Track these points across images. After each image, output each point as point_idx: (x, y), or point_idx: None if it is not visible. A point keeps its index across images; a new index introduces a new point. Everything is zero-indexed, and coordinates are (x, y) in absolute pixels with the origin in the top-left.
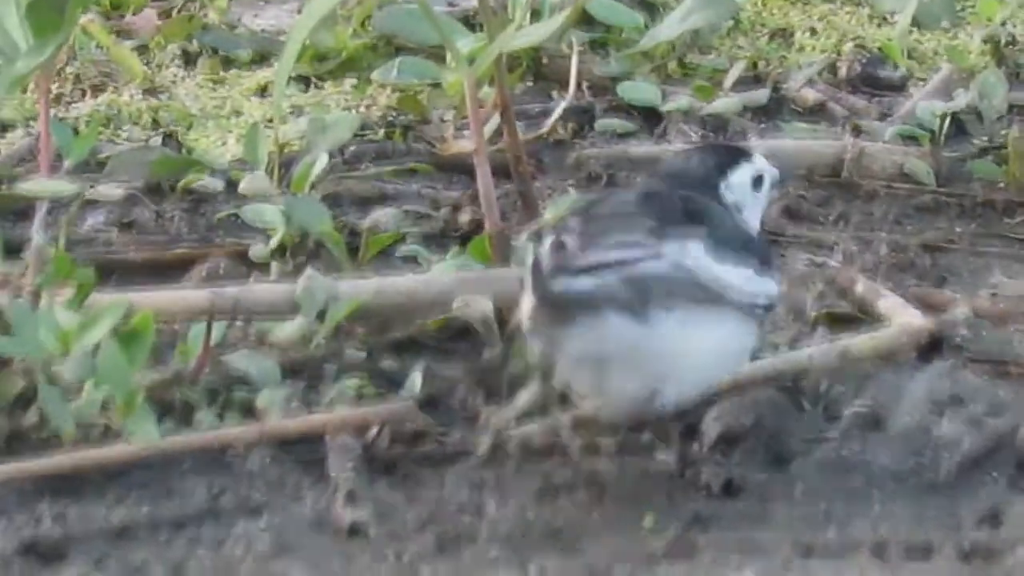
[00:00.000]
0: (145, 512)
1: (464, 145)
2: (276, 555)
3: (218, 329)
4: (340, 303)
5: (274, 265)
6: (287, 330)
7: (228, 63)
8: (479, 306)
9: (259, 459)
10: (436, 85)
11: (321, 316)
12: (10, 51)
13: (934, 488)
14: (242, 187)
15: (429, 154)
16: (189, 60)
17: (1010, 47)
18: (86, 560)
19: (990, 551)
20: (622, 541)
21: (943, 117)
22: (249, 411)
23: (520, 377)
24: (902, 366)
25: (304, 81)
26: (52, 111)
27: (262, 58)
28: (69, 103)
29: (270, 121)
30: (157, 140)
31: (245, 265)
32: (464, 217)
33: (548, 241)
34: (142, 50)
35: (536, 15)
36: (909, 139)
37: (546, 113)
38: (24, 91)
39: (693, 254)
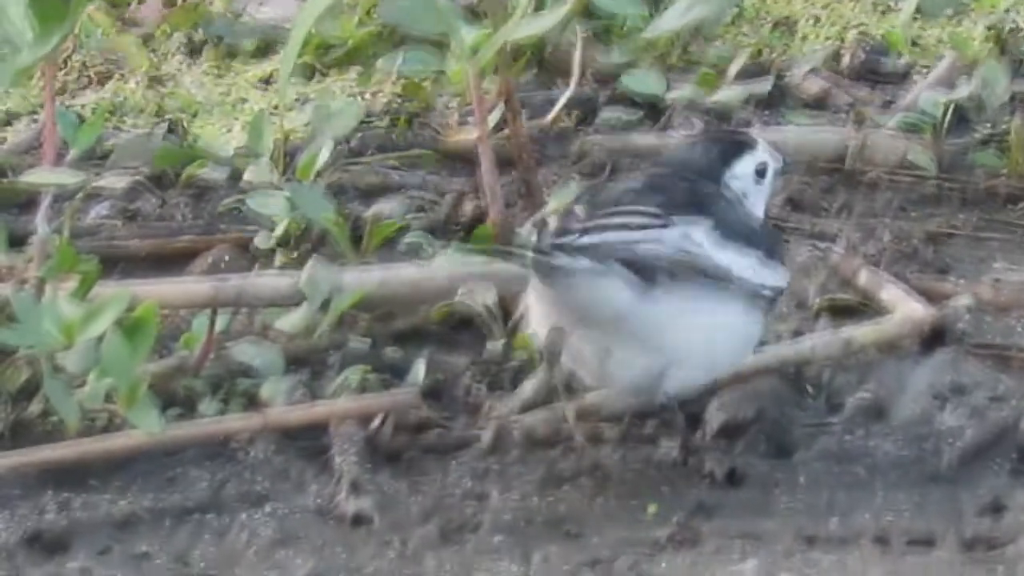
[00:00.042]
0: (149, 502)
1: (468, 135)
2: (280, 545)
3: (222, 319)
4: (344, 293)
5: (278, 255)
6: (291, 320)
7: (233, 53)
8: (482, 296)
9: (263, 449)
10: (440, 75)
11: (325, 306)
12: (15, 41)
13: (936, 478)
14: (246, 176)
15: (433, 143)
16: (194, 49)
17: (1013, 36)
18: (90, 550)
19: (992, 541)
20: (625, 530)
21: (946, 106)
22: (253, 401)
23: (523, 367)
24: (904, 355)
25: (309, 70)
26: (57, 101)
27: (267, 47)
28: (74, 92)
29: (275, 110)
30: (162, 129)
31: (249, 255)
32: (468, 206)
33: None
34: (147, 39)
35: (539, 5)
36: (912, 128)
37: (549, 103)
38: (29, 81)
39: (699, 235)
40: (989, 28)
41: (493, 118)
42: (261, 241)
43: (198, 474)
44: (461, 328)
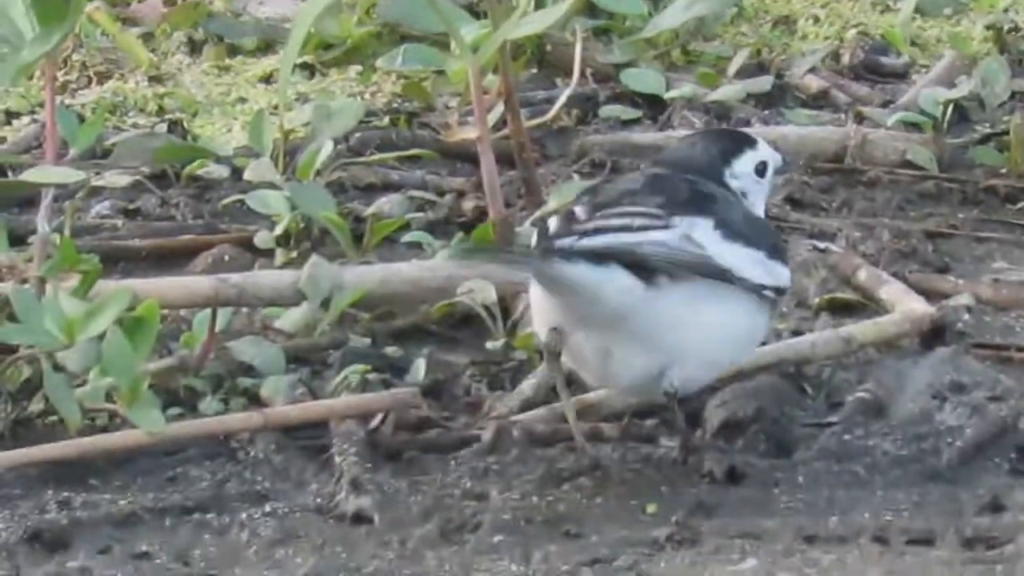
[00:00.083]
0: (149, 501)
1: (468, 132)
2: (280, 543)
3: (223, 316)
4: (344, 292)
5: (278, 253)
6: (291, 318)
7: (233, 51)
8: (483, 293)
9: (264, 446)
10: (440, 73)
11: (325, 304)
12: (16, 39)
13: (936, 475)
14: (247, 174)
15: (433, 141)
16: (195, 48)
17: (1012, 34)
18: (90, 549)
19: (991, 539)
20: (625, 529)
21: (946, 104)
22: (254, 399)
23: (523, 366)
24: (904, 353)
25: (309, 69)
26: (58, 99)
27: (267, 46)
28: (75, 91)
29: (275, 108)
30: (163, 127)
31: (250, 252)
32: (468, 204)
33: (560, 213)
34: (148, 38)
35: (540, 3)
36: (912, 126)
37: (550, 100)
38: (30, 79)
39: (700, 234)
40: (988, 27)
41: (493, 116)
42: (261, 239)
43: (198, 473)
44: (461, 327)
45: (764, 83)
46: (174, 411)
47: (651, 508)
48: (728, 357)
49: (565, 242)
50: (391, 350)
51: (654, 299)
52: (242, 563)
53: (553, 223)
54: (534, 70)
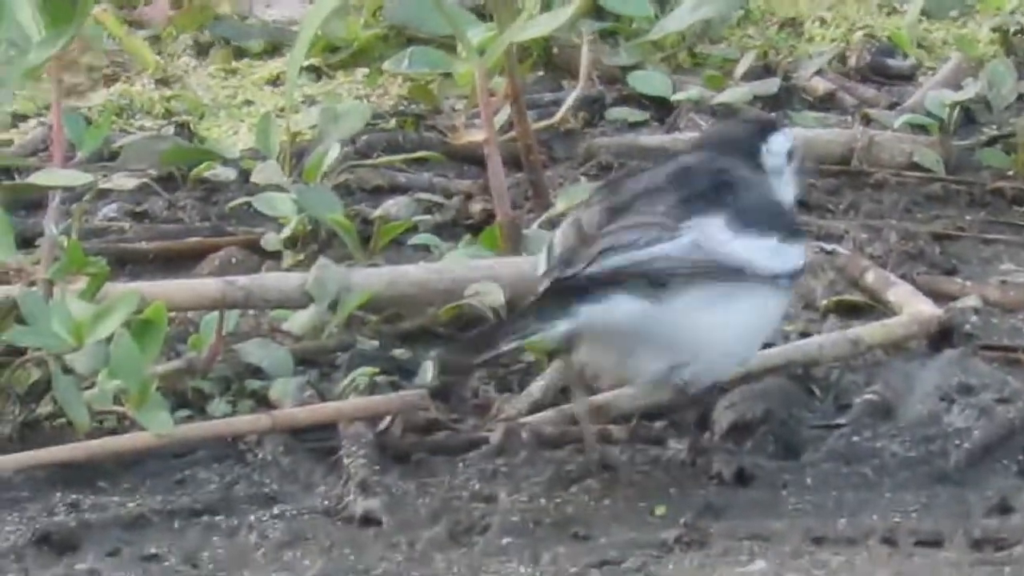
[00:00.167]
0: (158, 503)
1: (475, 135)
2: (289, 544)
3: (230, 319)
4: (352, 293)
5: (286, 255)
6: (299, 320)
7: (240, 53)
8: (491, 296)
9: (272, 449)
10: (447, 75)
11: (333, 306)
12: (23, 42)
13: (944, 477)
14: (254, 177)
15: (440, 144)
16: (201, 50)
17: (1019, 37)
18: (99, 551)
19: (999, 541)
20: (633, 531)
21: (952, 106)
22: (262, 401)
23: (531, 368)
24: (912, 355)
25: (316, 71)
26: (65, 102)
27: (274, 48)
28: (82, 93)
29: (282, 111)
30: (170, 130)
31: (257, 254)
32: (475, 206)
33: (569, 220)
34: (154, 40)
35: (546, 5)
36: (918, 128)
37: (557, 103)
38: (37, 82)
39: (713, 232)
40: (994, 29)
41: (500, 119)
42: (269, 242)
43: (207, 475)
44: (469, 329)
45: (771, 85)
46: (182, 413)
47: (660, 510)
48: (746, 348)
49: (572, 271)
50: (399, 352)
51: (666, 307)
52: (251, 565)
53: (559, 240)
54: (541, 72)
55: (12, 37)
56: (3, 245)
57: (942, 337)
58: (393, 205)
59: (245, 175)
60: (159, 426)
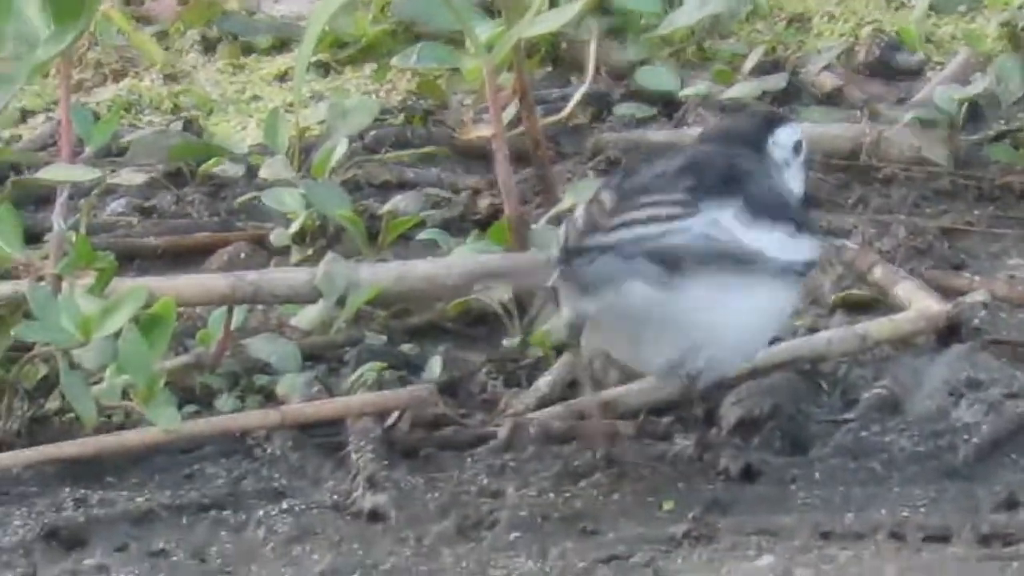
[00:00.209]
0: (166, 498)
1: (483, 130)
2: (296, 541)
3: (238, 314)
4: (360, 288)
5: (294, 251)
6: (307, 316)
7: (248, 49)
8: (498, 292)
9: (280, 444)
10: (455, 71)
11: (341, 301)
12: (31, 38)
13: (952, 473)
14: (262, 172)
15: (448, 139)
16: (209, 46)
17: None
18: (107, 547)
19: (1008, 536)
20: (641, 526)
21: (960, 102)
22: (270, 396)
23: (539, 363)
24: (920, 350)
25: (324, 67)
26: (73, 97)
27: (282, 44)
28: (90, 89)
29: (290, 106)
30: (178, 125)
31: (265, 250)
32: (483, 202)
33: (583, 205)
34: (162, 36)
35: (554, 1)
36: (927, 123)
37: (564, 99)
38: (45, 77)
39: (726, 219)
40: (1003, 24)
41: (508, 114)
42: (277, 237)
43: (215, 470)
44: (477, 324)
45: (779, 81)
46: (190, 409)
47: (667, 505)
48: (758, 338)
49: (588, 242)
50: (407, 348)
51: (680, 289)
52: (259, 560)
53: (580, 214)
54: (549, 68)
55: (20, 33)
56: (11, 240)
57: (950, 332)
58: (401, 200)
59: (253, 171)
60: (167, 421)
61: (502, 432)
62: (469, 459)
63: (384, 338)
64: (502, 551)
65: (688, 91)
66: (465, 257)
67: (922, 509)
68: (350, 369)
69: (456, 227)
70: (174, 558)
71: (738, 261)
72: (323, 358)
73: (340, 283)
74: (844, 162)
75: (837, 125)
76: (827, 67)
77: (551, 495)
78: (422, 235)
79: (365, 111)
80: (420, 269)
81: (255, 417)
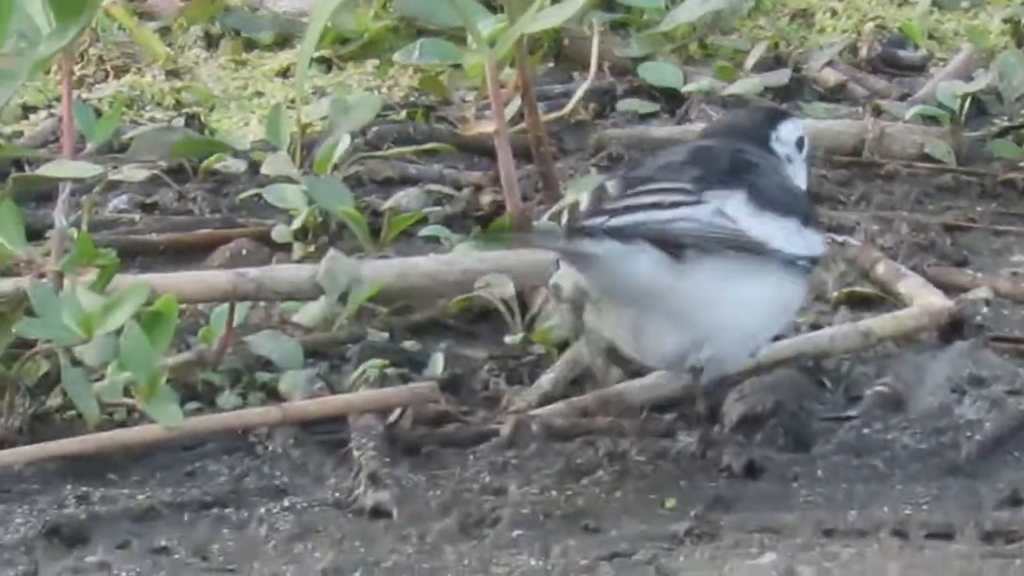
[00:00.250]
0: (168, 496)
1: (485, 126)
2: (299, 536)
3: (240, 311)
4: (363, 285)
5: (296, 246)
6: (310, 312)
7: (250, 45)
8: (501, 287)
9: (282, 441)
10: (457, 67)
11: (343, 298)
12: (32, 34)
13: (955, 469)
14: (264, 168)
15: (451, 135)
16: (211, 42)
17: None
18: (109, 544)
19: (1011, 533)
20: (644, 523)
21: (963, 97)
22: (272, 393)
23: (541, 360)
24: (923, 346)
25: (326, 63)
26: (75, 93)
27: (284, 40)
28: (92, 85)
29: (292, 102)
30: (180, 121)
31: (267, 246)
32: (486, 198)
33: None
34: (164, 32)
35: None
36: (930, 119)
37: (567, 94)
38: (47, 73)
39: (731, 208)
40: (1006, 20)
41: (510, 110)
42: (279, 234)
43: (217, 468)
44: (479, 321)
45: (782, 76)
46: (192, 406)
47: (670, 502)
48: (762, 331)
49: (594, 221)
50: (409, 344)
51: (684, 276)
52: (260, 557)
53: (584, 200)
54: (551, 64)
55: (22, 29)
56: (13, 237)
57: (953, 329)
58: (403, 197)
59: (255, 167)
60: (169, 418)
61: (504, 429)
62: (471, 456)
63: (386, 335)
64: (504, 548)
65: (691, 87)
66: (467, 253)
67: (925, 506)
68: (352, 366)
69: (458, 223)
70: (176, 555)
71: (742, 249)
72: (325, 355)
73: (342, 280)
74: (847, 158)
75: (840, 121)
76: (830, 63)
77: (553, 492)
78: (424, 231)
79: (367, 107)
80: (422, 265)
81: (257, 414)
